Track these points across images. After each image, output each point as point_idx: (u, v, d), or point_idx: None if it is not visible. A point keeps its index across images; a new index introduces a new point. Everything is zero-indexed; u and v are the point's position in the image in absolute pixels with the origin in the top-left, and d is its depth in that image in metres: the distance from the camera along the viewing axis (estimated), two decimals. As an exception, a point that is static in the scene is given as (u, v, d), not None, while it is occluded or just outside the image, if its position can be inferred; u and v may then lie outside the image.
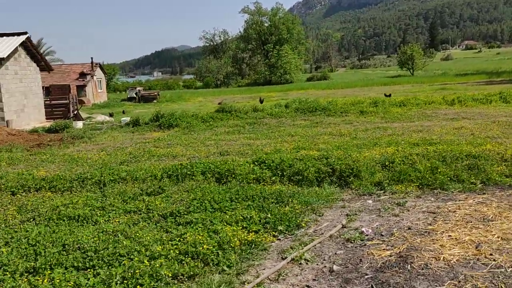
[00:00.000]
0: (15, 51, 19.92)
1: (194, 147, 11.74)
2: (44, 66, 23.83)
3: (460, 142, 10.04)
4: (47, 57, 66.47)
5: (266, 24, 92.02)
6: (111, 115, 28.04)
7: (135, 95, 44.05)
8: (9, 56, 19.16)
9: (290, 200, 6.13)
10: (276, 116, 18.32)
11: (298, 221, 5.45)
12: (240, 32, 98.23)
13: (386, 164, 7.73)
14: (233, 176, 7.29)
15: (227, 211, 5.51)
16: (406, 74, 74.56)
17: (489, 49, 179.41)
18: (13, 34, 20.22)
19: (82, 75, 44.49)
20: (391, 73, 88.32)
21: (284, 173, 7.46)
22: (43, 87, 41.73)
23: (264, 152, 10.23)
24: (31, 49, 21.74)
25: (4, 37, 19.84)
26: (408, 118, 15.91)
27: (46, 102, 26.70)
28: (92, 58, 46.39)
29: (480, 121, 13.87)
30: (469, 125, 12.97)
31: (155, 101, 43.07)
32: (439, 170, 7.26)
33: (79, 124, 19.58)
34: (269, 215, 5.39)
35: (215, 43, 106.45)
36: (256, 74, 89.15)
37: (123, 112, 29.95)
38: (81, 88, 43.55)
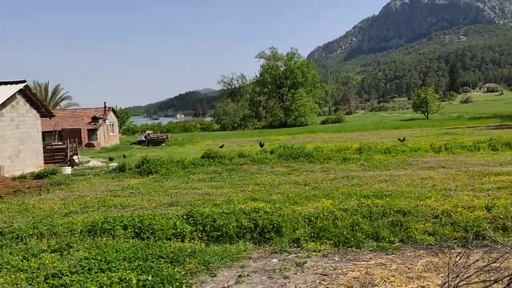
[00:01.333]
0: (12, 98, 20.83)
1: (153, 196, 11.84)
2: (45, 112, 24.70)
3: (410, 195, 9.82)
4: (63, 102, 68.99)
5: (281, 69, 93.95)
6: (111, 159, 28.62)
7: (144, 138, 44.98)
8: (4, 104, 20.03)
9: (188, 259, 6.06)
10: (259, 162, 18.36)
11: (181, 283, 5.37)
12: (256, 76, 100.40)
13: (311, 219, 7.62)
14: (151, 232, 7.29)
15: (110, 273, 5.46)
16: (420, 117, 74.10)
17: (511, 92, 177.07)
18: (11, 83, 21.22)
19: (94, 119, 45.84)
20: (407, 116, 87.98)
21: (206, 228, 7.42)
22: (57, 131, 43.37)
23: (215, 202, 10.24)
24: (30, 96, 22.69)
25: (2, 85, 20.84)
26: (386, 166, 15.70)
27: (47, 147, 27.50)
28: (105, 102, 47.99)
29: (453, 171, 13.58)
30: (437, 176, 12.70)
31: (163, 144, 43.83)
32: (359, 227, 7.11)
33: (67, 170, 20.03)
34: (149, 278, 5.31)
35: (233, 87, 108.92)
36: (272, 117, 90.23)
37: (124, 156, 30.49)
38: (92, 132, 44.81)
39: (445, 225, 7.19)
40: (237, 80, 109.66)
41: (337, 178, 13.44)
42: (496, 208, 7.58)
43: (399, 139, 29.01)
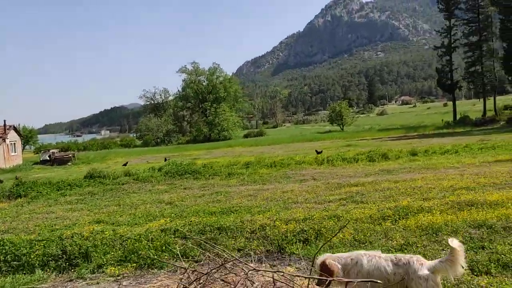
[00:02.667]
0: None
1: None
2: None
3: (254, 209, 10.00)
4: None
5: (204, 83, 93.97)
6: (0, 181, 26.75)
7: (48, 158, 42.59)
8: None
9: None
10: (143, 180, 17.95)
11: None
12: (179, 90, 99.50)
13: (127, 241, 7.43)
14: None
15: None
16: (336, 130, 77.29)
17: (423, 104, 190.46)
18: None
19: (-8, 138, 42.66)
20: (326, 128, 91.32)
21: (7, 258, 6.97)
22: None
23: (56, 227, 9.74)
24: None
25: None
26: (263, 180, 15.97)
27: None
28: (4, 120, 44.94)
29: (320, 183, 14.08)
30: (300, 189, 13.09)
31: (69, 163, 41.72)
32: (171, 247, 7.03)
33: None
34: None
35: (155, 102, 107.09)
36: (196, 132, 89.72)
37: (16, 178, 28.54)
38: (-11, 152, 41.64)
39: (257, 240, 7.31)
40: (160, 95, 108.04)
41: (206, 195, 13.42)
42: (310, 220, 7.86)
43: (316, 150, 29.36)
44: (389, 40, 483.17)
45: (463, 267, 4.17)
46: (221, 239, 7.32)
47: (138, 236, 7.60)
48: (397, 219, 7.94)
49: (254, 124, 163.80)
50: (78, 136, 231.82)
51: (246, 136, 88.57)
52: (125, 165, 32.36)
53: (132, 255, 6.89)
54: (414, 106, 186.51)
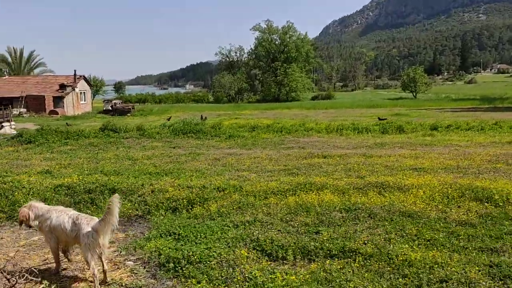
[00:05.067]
0: None
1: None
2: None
3: (175, 174, 10.00)
4: (38, 69, 68.71)
5: (276, 42, 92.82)
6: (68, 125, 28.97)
7: (110, 108, 45.43)
8: None
9: None
10: (148, 136, 18.56)
11: None
12: (251, 48, 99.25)
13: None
14: None
15: None
16: (408, 97, 72.94)
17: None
18: None
19: (62, 86, 46.27)
20: (400, 94, 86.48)
21: None
22: (23, 97, 44.02)
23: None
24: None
25: None
26: (250, 146, 15.73)
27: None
28: (75, 70, 48.36)
29: (299, 152, 13.62)
30: (266, 156, 12.78)
31: (129, 114, 44.19)
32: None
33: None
34: None
35: (230, 59, 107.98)
36: (265, 91, 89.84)
37: (67, 125, 30.91)
38: (59, 99, 45.32)
39: (137, 203, 7.40)
40: (235, 52, 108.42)
41: (181, 155, 13.61)
42: (195, 188, 7.75)
43: (379, 118, 27.79)
44: (494, 1, 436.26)
45: (116, 220, 4.67)
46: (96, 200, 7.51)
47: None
48: (289, 194, 7.56)
49: (332, 86, 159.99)
50: (164, 89, 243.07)
51: (313, 98, 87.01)
52: (168, 119, 33.58)
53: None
54: (511, 75, 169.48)
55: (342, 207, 6.70)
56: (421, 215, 6.32)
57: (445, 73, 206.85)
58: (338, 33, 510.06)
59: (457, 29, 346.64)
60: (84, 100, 50.02)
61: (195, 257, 5.00)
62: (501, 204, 6.81)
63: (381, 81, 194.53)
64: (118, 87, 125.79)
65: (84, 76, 50.46)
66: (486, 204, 6.84)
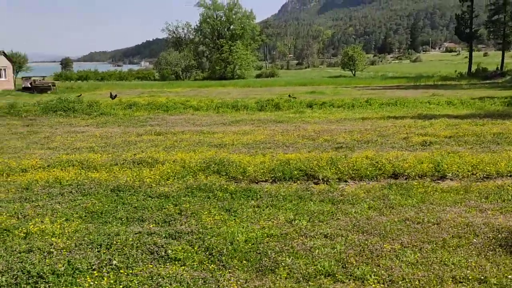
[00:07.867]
0: None
1: None
2: None
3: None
4: None
5: (222, 19, 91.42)
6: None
7: (29, 85, 43.74)
8: None
9: None
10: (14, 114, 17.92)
11: None
12: (197, 25, 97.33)
13: None
14: None
15: None
16: (347, 75, 74.02)
17: (468, 52, 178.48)
18: None
19: (-22, 63, 43.98)
20: (339, 72, 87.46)
21: None
22: None
23: None
24: None
25: None
26: (114, 123, 15.52)
27: None
28: (-6, 46, 45.87)
29: (145, 129, 13.50)
30: (115, 133, 12.59)
31: (49, 91, 42.59)
32: None
33: None
34: None
35: (177, 36, 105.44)
36: (211, 69, 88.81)
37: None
38: (-27, 76, 43.09)
39: None
40: (182, 29, 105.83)
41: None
42: None
43: (289, 95, 27.90)
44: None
45: None
46: None
47: None
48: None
49: (285, 64, 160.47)
50: (118, 66, 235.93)
51: (258, 76, 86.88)
52: (113, 97, 31.57)
53: None
54: (458, 54, 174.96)
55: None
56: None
57: (396, 52, 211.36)
58: (296, 11, 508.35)
59: (411, 8, 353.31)
60: (5, 77, 47.75)
61: None
62: (240, 178, 6.95)
63: (337, 59, 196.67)
64: (65, 64, 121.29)
65: (3, 52, 48.05)
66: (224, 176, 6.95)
